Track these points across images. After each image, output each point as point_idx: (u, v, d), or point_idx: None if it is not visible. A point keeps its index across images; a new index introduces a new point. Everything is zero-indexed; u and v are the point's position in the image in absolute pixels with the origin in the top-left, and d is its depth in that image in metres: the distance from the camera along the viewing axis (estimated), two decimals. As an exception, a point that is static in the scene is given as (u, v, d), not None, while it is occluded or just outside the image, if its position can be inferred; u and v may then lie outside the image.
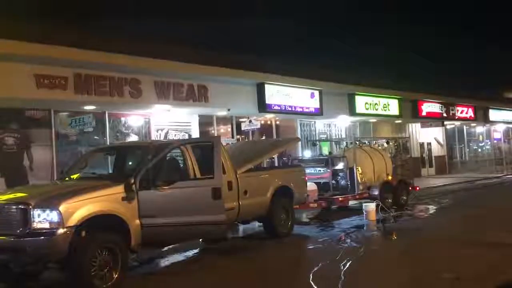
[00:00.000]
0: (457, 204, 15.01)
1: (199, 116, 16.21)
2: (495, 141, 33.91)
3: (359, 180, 13.20)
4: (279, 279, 7.11)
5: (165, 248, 8.72)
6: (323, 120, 20.49)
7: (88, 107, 13.30)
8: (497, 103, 31.35)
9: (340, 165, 13.47)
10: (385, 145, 17.46)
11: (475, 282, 6.52)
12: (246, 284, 6.94)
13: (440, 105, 26.48)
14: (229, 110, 15.86)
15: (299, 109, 17.92)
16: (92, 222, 6.50)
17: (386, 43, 29.60)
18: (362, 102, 20.99)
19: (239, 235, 10.89)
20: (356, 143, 14.52)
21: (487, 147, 33.42)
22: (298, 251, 9.36)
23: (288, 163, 15.07)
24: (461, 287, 6.46)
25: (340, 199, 12.79)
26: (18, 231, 6.27)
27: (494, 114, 31.33)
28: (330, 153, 16.92)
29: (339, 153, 15.14)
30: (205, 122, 16.63)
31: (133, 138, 14.65)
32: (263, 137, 18.11)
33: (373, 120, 22.92)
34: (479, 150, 32.77)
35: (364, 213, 11.92)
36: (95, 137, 13.96)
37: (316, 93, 18.48)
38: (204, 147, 8.11)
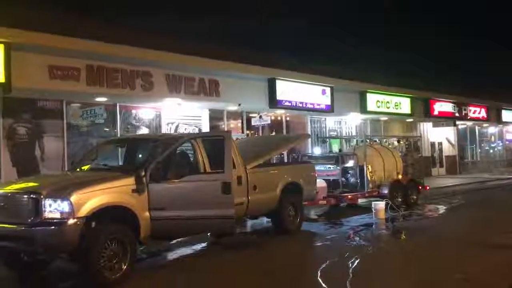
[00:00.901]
0: (467, 205, 14.88)
1: (210, 110, 16.22)
2: (507, 142, 33.58)
3: (369, 178, 13.14)
4: (286, 275, 7.10)
5: (173, 241, 8.76)
6: (333, 117, 20.41)
7: (100, 99, 13.35)
8: (510, 103, 31.00)
9: (350, 163, 13.41)
10: (395, 143, 17.34)
11: (485, 283, 6.46)
12: (254, 280, 6.93)
13: (453, 104, 26.26)
14: (240, 105, 15.85)
15: (310, 106, 17.86)
16: (102, 213, 6.52)
17: (400, 41, 29.40)
18: (373, 100, 20.87)
19: (247, 230, 10.90)
20: (366, 141, 14.43)
21: (499, 148, 33.10)
22: (306, 248, 9.34)
23: (298, 159, 15.05)
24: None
25: (349, 196, 12.74)
26: (29, 220, 6.30)
27: (507, 115, 31.03)
28: (340, 150, 16.83)
29: (349, 150, 15.04)
30: (215, 117, 16.64)
31: (143, 131, 14.70)
32: (273, 133, 18.08)
33: (384, 118, 22.78)
34: (491, 150, 32.47)
35: (373, 211, 11.86)
36: (106, 129, 14.03)
37: (328, 89, 18.40)
38: (215, 141, 8.10)
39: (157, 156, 7.32)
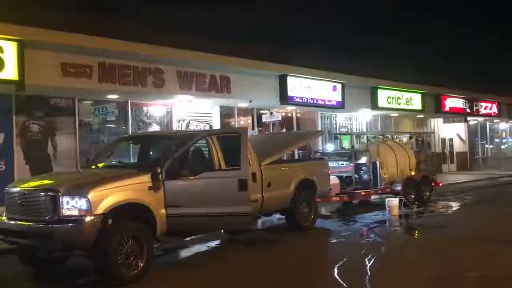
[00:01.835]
0: (480, 201, 14.75)
1: (221, 107, 16.20)
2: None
3: (382, 175, 13.05)
4: (304, 273, 7.05)
5: (188, 238, 8.74)
6: (344, 113, 20.30)
7: (112, 96, 13.37)
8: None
9: (363, 159, 13.31)
10: (404, 139, 17.11)
11: (503, 280, 6.38)
12: (271, 277, 6.90)
13: (464, 100, 26.05)
14: (251, 101, 15.80)
15: (321, 102, 17.77)
16: (119, 211, 6.52)
17: (411, 38, 29.20)
18: (384, 96, 20.73)
19: (260, 227, 10.86)
20: (379, 137, 14.32)
21: (510, 144, 32.79)
22: (321, 245, 9.29)
23: (310, 156, 14.97)
24: (487, 285, 6.32)
25: (362, 193, 12.66)
26: (47, 217, 6.30)
27: (518, 111, 30.73)
28: (352, 146, 16.74)
29: (362, 147, 14.94)
30: (226, 113, 16.61)
31: (155, 128, 14.70)
32: (283, 130, 18.02)
33: (394, 114, 22.63)
34: (502, 146, 32.17)
35: (387, 208, 11.78)
36: (118, 126, 14.03)
37: (339, 86, 18.30)
38: (230, 138, 8.05)
39: (173, 153, 7.29)
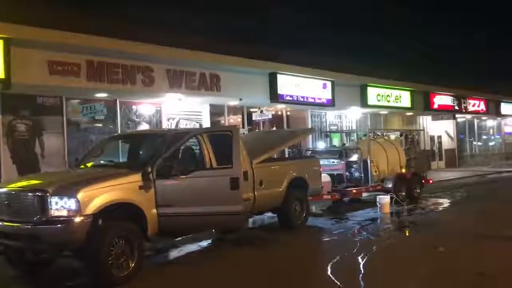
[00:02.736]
0: (469, 198, 14.84)
1: (210, 105, 16.07)
2: (506, 135, 33.59)
3: (373, 173, 13.06)
4: (297, 271, 7.00)
5: (179, 238, 8.64)
6: (334, 111, 20.30)
7: (100, 95, 13.18)
8: (509, 97, 30.97)
9: (354, 157, 13.32)
10: (392, 137, 17.12)
11: (500, 276, 6.38)
12: (264, 275, 6.84)
13: (452, 98, 26.21)
14: (241, 99, 15.71)
15: (311, 100, 17.74)
16: (110, 211, 6.40)
17: (399, 35, 29.31)
18: (374, 94, 20.77)
19: (252, 226, 10.79)
20: (370, 135, 14.33)
21: (498, 141, 33.12)
22: (313, 243, 9.26)
23: (299, 154, 14.93)
24: (485, 282, 6.32)
25: (353, 191, 12.65)
26: (35, 218, 6.17)
27: (506, 108, 31.01)
28: (343, 144, 16.72)
29: (352, 144, 14.94)
30: (216, 112, 16.47)
31: (144, 126, 14.54)
32: (274, 128, 17.96)
33: (384, 112, 22.70)
34: (490, 143, 32.47)
35: (378, 205, 11.79)
36: (106, 125, 13.85)
37: (329, 84, 18.28)
38: (221, 137, 7.96)
39: (164, 152, 7.19)
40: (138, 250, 6.61)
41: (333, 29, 26.02)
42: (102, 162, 8.20)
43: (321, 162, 11.96)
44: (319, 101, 18.08)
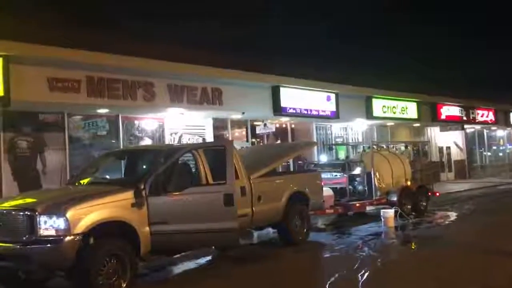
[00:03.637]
0: (478, 211, 14.50)
1: (213, 119, 15.98)
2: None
3: (377, 186, 12.82)
4: (294, 290, 6.82)
5: (177, 256, 8.48)
6: (339, 123, 20.12)
7: (101, 110, 13.16)
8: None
9: (357, 170, 13.09)
10: (402, 148, 16.99)
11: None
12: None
13: (460, 108, 25.91)
14: (243, 113, 15.61)
15: (314, 112, 17.60)
16: (100, 229, 6.29)
17: (405, 46, 29.15)
18: (379, 105, 20.58)
19: (253, 242, 10.61)
20: (373, 147, 14.12)
21: (508, 151, 32.61)
22: (314, 260, 9.04)
23: (304, 167, 14.75)
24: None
25: (357, 205, 12.42)
26: (24, 238, 6.09)
27: (515, 117, 30.59)
28: (347, 157, 16.54)
29: (356, 157, 14.73)
30: (219, 126, 16.39)
31: (146, 141, 14.48)
32: (278, 141, 17.83)
33: (390, 123, 22.46)
34: (500, 154, 31.98)
35: (382, 219, 11.55)
36: (109, 140, 13.81)
37: (332, 96, 18.15)
38: (216, 151, 7.85)
39: (157, 169, 7.09)
40: (130, 269, 6.48)
41: (339, 40, 25.96)
42: (97, 178, 8.10)
43: (324, 175, 11.79)
44: (323, 113, 17.94)
